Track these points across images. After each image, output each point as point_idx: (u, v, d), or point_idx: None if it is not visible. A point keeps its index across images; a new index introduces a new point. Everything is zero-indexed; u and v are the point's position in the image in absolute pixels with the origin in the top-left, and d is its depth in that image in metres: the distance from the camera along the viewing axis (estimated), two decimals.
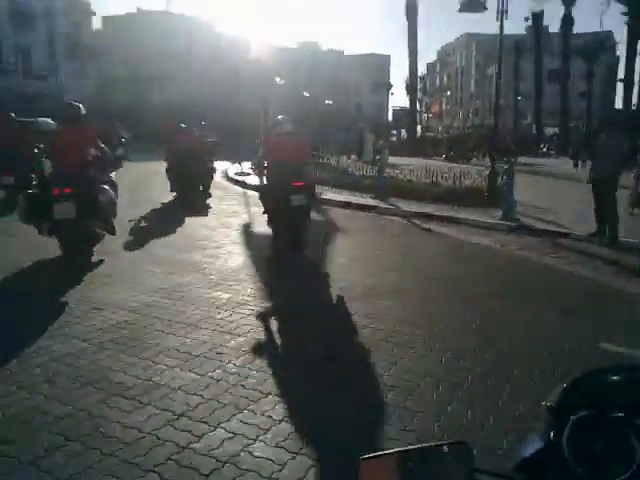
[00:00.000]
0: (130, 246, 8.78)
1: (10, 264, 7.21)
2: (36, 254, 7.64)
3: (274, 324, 5.51)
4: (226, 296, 6.29)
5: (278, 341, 5.14)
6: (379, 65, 78.37)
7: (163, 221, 11.36)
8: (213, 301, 6.08)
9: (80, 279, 6.74)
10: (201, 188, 14.61)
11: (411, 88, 39.58)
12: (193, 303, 5.99)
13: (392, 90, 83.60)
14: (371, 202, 14.10)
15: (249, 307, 5.94)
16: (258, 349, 4.76)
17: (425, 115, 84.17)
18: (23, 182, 11.05)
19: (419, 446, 1.03)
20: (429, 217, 12.22)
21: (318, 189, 16.38)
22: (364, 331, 5.24)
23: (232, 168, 24.70)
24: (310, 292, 6.74)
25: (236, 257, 8.33)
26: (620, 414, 0.87)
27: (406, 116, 45.51)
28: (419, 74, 52.92)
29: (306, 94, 46.11)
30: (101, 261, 7.54)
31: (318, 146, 30.30)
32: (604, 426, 0.86)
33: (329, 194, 15.62)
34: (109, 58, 60.27)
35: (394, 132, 63.86)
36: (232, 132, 33.95)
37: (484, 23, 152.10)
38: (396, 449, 1.00)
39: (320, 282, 7.17)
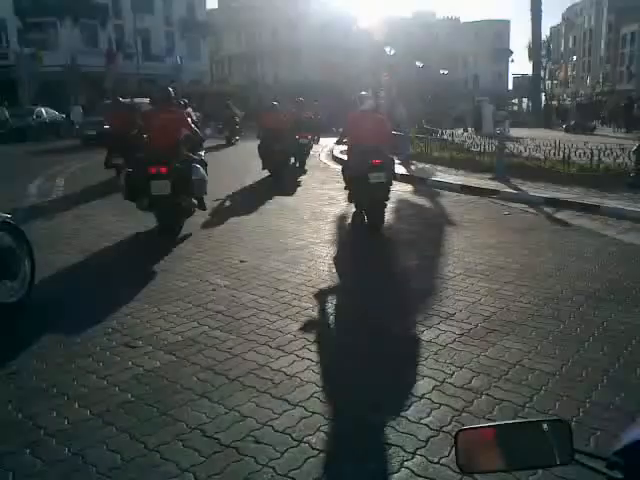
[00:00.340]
0: (199, 243, 7.67)
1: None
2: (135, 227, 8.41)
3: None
4: (295, 327, 4.69)
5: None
6: (498, 32, 73.41)
7: (246, 205, 10.45)
8: (275, 337, 4.50)
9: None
10: (296, 165, 14.98)
11: (534, 52, 35.74)
12: (249, 339, 4.44)
13: (512, 57, 78.92)
14: (491, 185, 11.91)
15: (320, 346, 4.33)
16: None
17: (549, 82, 78.18)
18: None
19: (518, 421, 1.04)
20: (562, 204, 9.93)
21: (429, 168, 14.71)
22: None
23: (340, 146, 23.16)
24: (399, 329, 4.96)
25: (321, 264, 6.69)
26: None
27: (528, 84, 41.55)
28: (542, 38, 48.33)
29: (419, 64, 43.36)
30: (189, 235, 7.99)
31: (429, 118, 28.04)
32: None
33: (440, 175, 13.57)
34: (223, 37, 60.55)
35: (514, 102, 59.55)
36: (344, 108, 32.34)
37: None
38: (494, 423, 0.98)
39: (415, 312, 5.24)
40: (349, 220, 9.14)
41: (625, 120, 30.50)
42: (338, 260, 6.95)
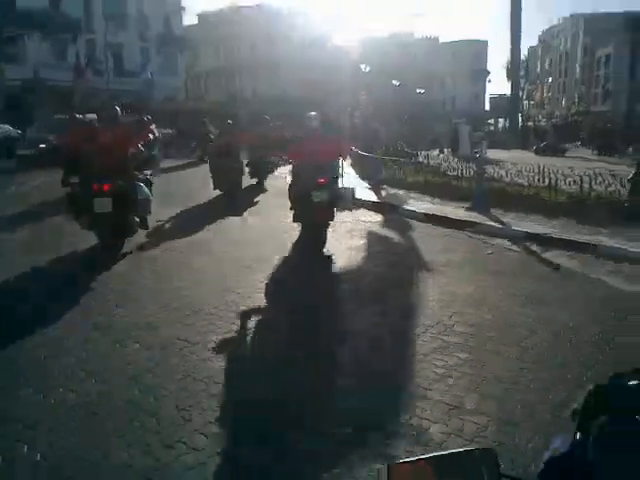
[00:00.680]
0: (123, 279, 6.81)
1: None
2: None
3: None
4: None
5: None
6: (475, 52, 72.92)
7: (186, 228, 9.61)
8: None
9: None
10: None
11: (513, 72, 34.86)
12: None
13: (490, 78, 78.31)
14: (469, 216, 10.47)
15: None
16: None
17: (525, 103, 77.90)
18: None
19: (446, 452, 0.97)
20: (550, 242, 8.50)
21: (402, 194, 13.28)
22: None
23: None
24: None
25: (237, 327, 5.18)
26: None
27: (506, 104, 40.66)
28: (521, 58, 47.63)
29: (395, 83, 42.28)
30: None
31: (406, 140, 26.76)
32: (630, 430, 0.82)
33: (414, 202, 12.14)
34: (202, 54, 59.13)
35: (491, 122, 58.75)
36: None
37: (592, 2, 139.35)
38: (422, 456, 0.95)
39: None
40: (291, 245, 8.54)
41: (600, 143, 29.57)
42: (266, 322, 5.50)
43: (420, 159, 17.97)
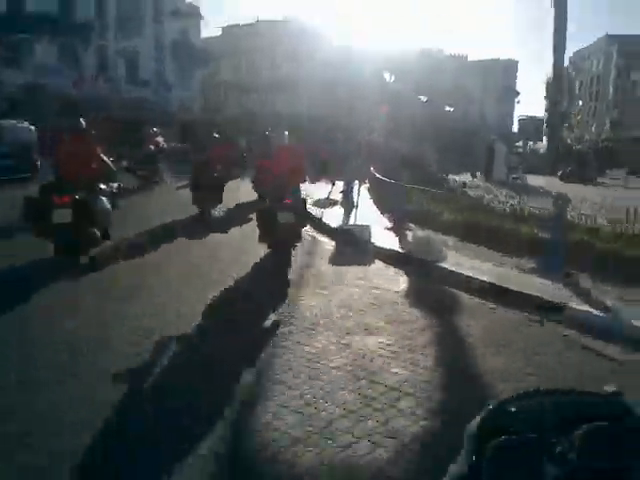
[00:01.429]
0: None
1: None
2: None
3: None
4: None
5: None
6: (505, 71, 68.76)
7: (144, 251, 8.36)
8: None
9: None
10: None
11: (555, 88, 30.58)
12: None
13: (519, 98, 74.36)
14: (548, 289, 6.46)
15: None
16: None
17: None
18: None
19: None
20: None
21: (435, 240, 9.35)
22: None
23: (321, 190, 17.89)
24: None
25: None
26: (534, 437, 0.85)
27: (536, 126, 36.50)
28: (544, 81, 43.49)
29: (423, 98, 38.33)
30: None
31: (428, 162, 22.85)
32: (520, 450, 0.85)
33: (454, 256, 8.18)
34: (222, 67, 55.94)
35: (519, 144, 54.58)
36: (338, 145, 27.45)
37: (627, 23, 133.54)
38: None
39: None
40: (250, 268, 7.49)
41: None
42: None
43: (455, 187, 14.07)
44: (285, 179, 7.64)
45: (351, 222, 11.40)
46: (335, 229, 10.60)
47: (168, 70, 44.03)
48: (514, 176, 22.35)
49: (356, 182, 14.08)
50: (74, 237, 7.19)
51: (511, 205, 10.36)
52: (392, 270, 7.68)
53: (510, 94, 65.66)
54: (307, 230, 10.80)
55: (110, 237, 8.17)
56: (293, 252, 8.03)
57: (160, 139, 20.01)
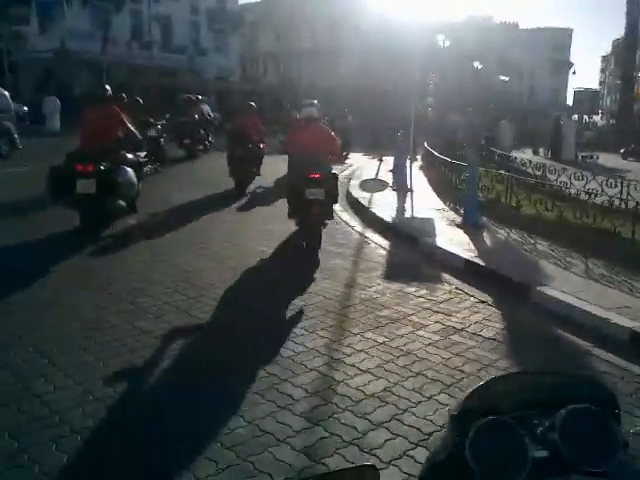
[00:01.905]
0: None
1: None
2: None
3: None
4: None
5: None
6: (558, 41, 64.14)
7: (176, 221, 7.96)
8: None
9: None
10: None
11: (629, 47, 26.79)
12: None
13: (574, 69, 69.24)
14: None
15: None
16: None
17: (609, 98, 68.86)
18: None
19: (330, 472, 1.00)
20: None
21: (522, 247, 6.79)
22: None
23: (367, 169, 15.59)
24: None
25: None
26: (516, 417, 0.86)
27: (593, 99, 32.85)
28: (605, 53, 39.66)
29: (477, 65, 35.11)
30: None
31: (488, 135, 20.25)
32: (503, 431, 0.85)
33: (551, 271, 5.89)
34: (260, 34, 53.36)
35: (574, 118, 50.58)
36: (383, 118, 24.98)
37: None
38: (306, 476, 1.06)
39: None
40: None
41: None
42: None
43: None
44: (314, 152, 7.01)
45: (407, 213, 9.16)
46: (388, 223, 8.38)
47: (204, 37, 41.79)
48: (584, 154, 19.60)
49: (407, 159, 11.83)
50: (98, 209, 6.95)
51: (615, 198, 7.88)
52: (473, 293, 5.45)
53: (563, 66, 61.35)
54: (352, 224, 8.68)
55: (136, 209, 7.96)
56: (325, 239, 7.04)
57: (206, 107, 18.54)
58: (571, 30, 67.14)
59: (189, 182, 11.99)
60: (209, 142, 17.70)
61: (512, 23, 60.22)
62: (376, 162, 17.57)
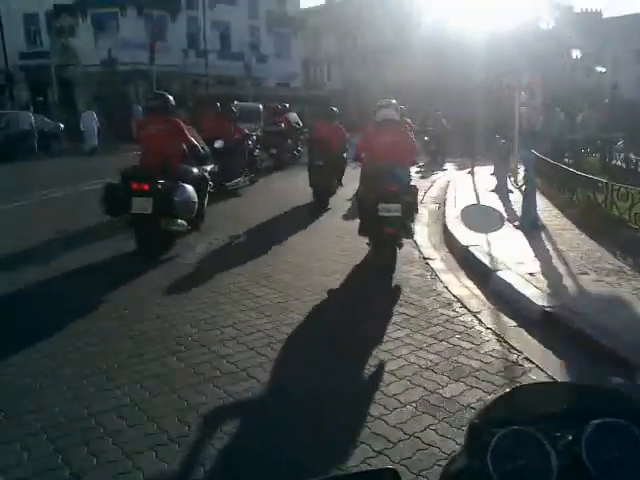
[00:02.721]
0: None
1: None
2: None
3: None
4: None
5: None
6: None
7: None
8: None
9: None
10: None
11: None
12: None
13: None
14: None
15: None
16: None
17: None
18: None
19: (349, 473, 0.97)
20: None
21: None
22: None
23: (461, 186, 11.81)
24: None
25: None
26: (539, 428, 0.83)
27: None
28: None
29: (576, 53, 30.09)
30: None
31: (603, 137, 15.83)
32: (526, 442, 0.82)
33: None
34: (324, 38, 49.97)
35: None
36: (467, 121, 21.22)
37: None
38: (323, 477, 0.95)
39: None
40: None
41: None
42: None
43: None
44: (389, 161, 5.86)
45: (569, 283, 5.26)
46: (554, 316, 4.51)
47: (264, 42, 38.79)
48: None
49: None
50: (154, 230, 6.21)
51: None
52: None
53: None
54: (468, 302, 4.92)
55: (199, 228, 7.14)
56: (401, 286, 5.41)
57: (293, 116, 17.30)
58: None
59: (271, 194, 11.53)
60: (298, 152, 16.38)
61: (595, 11, 54.15)
62: (468, 175, 13.69)
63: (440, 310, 4.73)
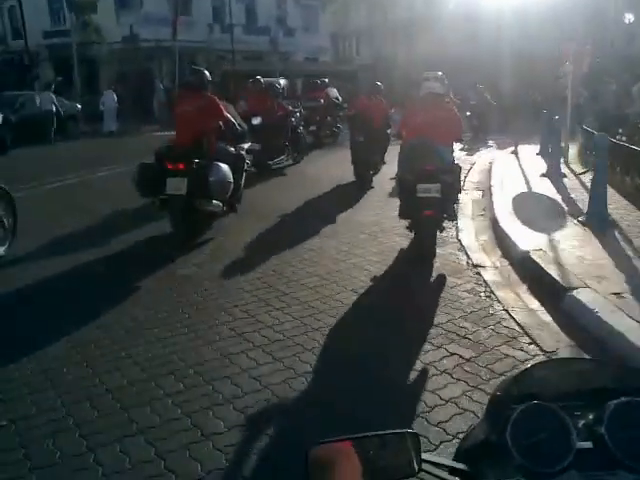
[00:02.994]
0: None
1: None
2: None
3: None
4: None
5: None
6: None
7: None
8: None
9: None
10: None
11: None
12: None
13: None
14: None
15: None
16: None
17: None
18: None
19: (371, 434, 0.91)
20: None
21: None
22: None
23: (507, 169, 10.55)
24: None
25: None
26: (559, 404, 0.82)
27: None
28: None
29: (629, 17, 27.65)
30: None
31: None
32: (545, 416, 0.81)
33: None
34: (351, 10, 48.01)
35: None
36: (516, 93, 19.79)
37: None
38: (347, 436, 0.89)
39: None
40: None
41: None
42: None
43: None
44: (429, 138, 5.37)
45: (610, 266, 4.10)
46: (567, 294, 3.48)
47: (291, 15, 37.23)
48: None
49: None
50: (190, 211, 5.92)
51: None
52: None
53: None
54: (538, 335, 3.74)
55: (236, 209, 6.81)
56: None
57: (333, 91, 15.91)
58: None
59: (316, 173, 10.82)
60: (337, 128, 15.35)
61: None
62: (512, 155, 12.32)
63: (503, 348, 3.57)
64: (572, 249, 5.23)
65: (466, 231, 6.47)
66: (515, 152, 12.40)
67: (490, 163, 11.50)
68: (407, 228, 5.78)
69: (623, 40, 29.80)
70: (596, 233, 5.75)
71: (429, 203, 5.21)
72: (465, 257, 5.53)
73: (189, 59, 30.19)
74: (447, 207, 5.50)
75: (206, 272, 5.29)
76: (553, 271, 4.61)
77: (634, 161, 7.54)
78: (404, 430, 0.91)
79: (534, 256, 5.01)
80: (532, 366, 0.95)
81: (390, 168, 8.57)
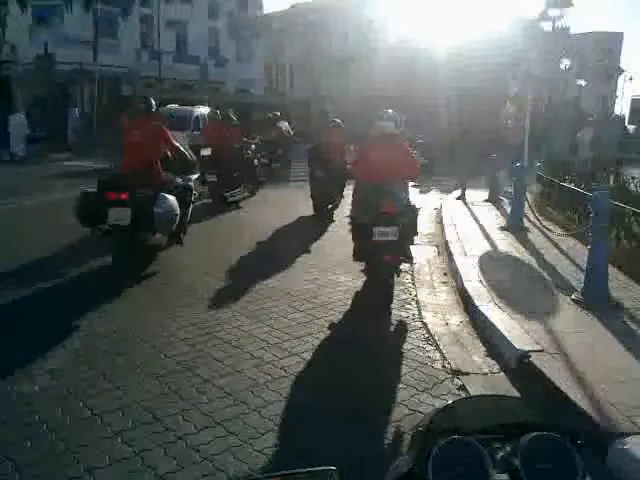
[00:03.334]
0: None
1: None
2: None
3: None
4: None
5: None
6: (606, 46, 56.78)
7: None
8: None
9: None
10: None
11: None
12: None
13: (630, 75, 61.13)
14: None
15: None
16: None
17: None
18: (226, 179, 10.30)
19: (298, 471, 0.89)
20: None
21: None
22: None
23: (461, 220, 9.29)
24: None
25: None
26: (479, 438, 0.83)
27: None
28: None
29: (565, 65, 28.18)
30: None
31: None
32: (464, 449, 0.82)
33: None
34: (287, 44, 47.31)
35: (628, 127, 43.31)
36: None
37: None
38: (274, 473, 0.88)
39: None
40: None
41: None
42: None
43: None
44: (386, 179, 5.27)
45: None
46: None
47: (224, 45, 35.83)
48: None
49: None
50: (132, 244, 5.70)
51: None
52: None
53: (612, 72, 53.90)
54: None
55: (182, 241, 6.52)
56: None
57: (285, 125, 16.01)
58: (621, 34, 59.61)
59: (273, 207, 10.62)
60: (288, 161, 15.51)
61: (564, 27, 53.11)
62: (459, 200, 11.16)
63: None
64: (581, 344, 3.84)
65: (430, 309, 5.00)
66: (462, 197, 11.26)
67: (436, 209, 10.28)
68: (362, 271, 5.62)
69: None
70: (600, 318, 4.41)
71: (386, 247, 5.00)
72: (438, 355, 4.01)
73: (112, 84, 28.17)
74: (404, 249, 5.33)
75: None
76: (582, 401, 3.13)
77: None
78: (329, 468, 0.87)
79: (538, 363, 3.56)
80: (454, 402, 0.93)
81: (349, 201, 7.39)
